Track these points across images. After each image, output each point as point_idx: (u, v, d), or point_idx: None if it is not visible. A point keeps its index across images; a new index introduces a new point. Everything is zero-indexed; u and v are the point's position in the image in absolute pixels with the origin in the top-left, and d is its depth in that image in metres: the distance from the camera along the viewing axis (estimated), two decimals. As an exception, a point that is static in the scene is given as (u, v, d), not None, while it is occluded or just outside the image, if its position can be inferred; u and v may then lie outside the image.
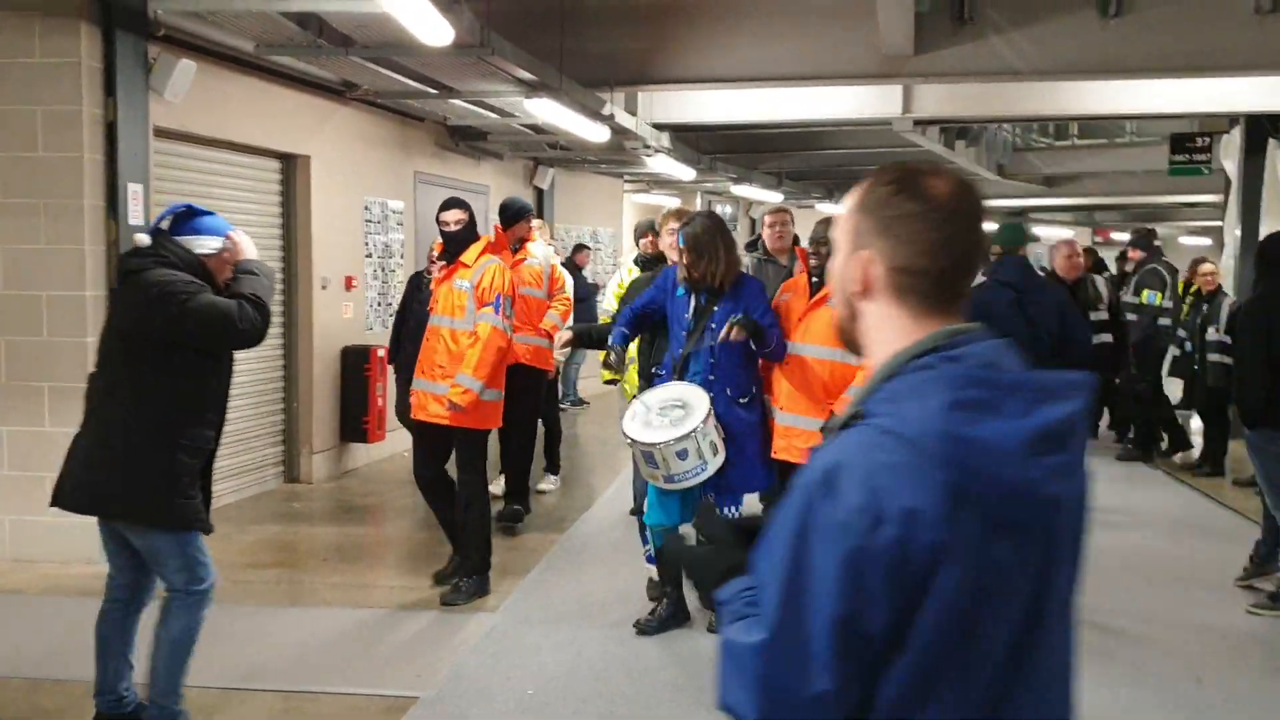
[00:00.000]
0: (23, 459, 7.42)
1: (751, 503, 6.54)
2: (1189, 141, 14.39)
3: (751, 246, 9.08)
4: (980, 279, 7.40)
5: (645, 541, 6.56)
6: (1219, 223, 15.07)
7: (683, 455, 5.57)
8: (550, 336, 8.46)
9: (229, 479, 9.12)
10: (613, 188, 18.62)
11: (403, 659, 5.96)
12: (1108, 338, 9.20)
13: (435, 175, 12.50)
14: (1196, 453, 11.58)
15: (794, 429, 5.90)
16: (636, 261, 8.33)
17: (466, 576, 6.88)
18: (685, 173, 15.14)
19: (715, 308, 5.95)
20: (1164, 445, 12.02)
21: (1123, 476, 10.85)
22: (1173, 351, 11.65)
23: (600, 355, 6.45)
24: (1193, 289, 11.38)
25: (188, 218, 4.71)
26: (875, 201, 1.82)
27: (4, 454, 7.51)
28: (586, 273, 14.97)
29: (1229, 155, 13.72)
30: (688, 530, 2.14)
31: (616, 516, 8.84)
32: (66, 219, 7.25)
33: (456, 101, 10.11)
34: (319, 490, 10.06)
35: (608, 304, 8.88)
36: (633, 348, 6.73)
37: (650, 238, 8.88)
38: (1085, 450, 1.79)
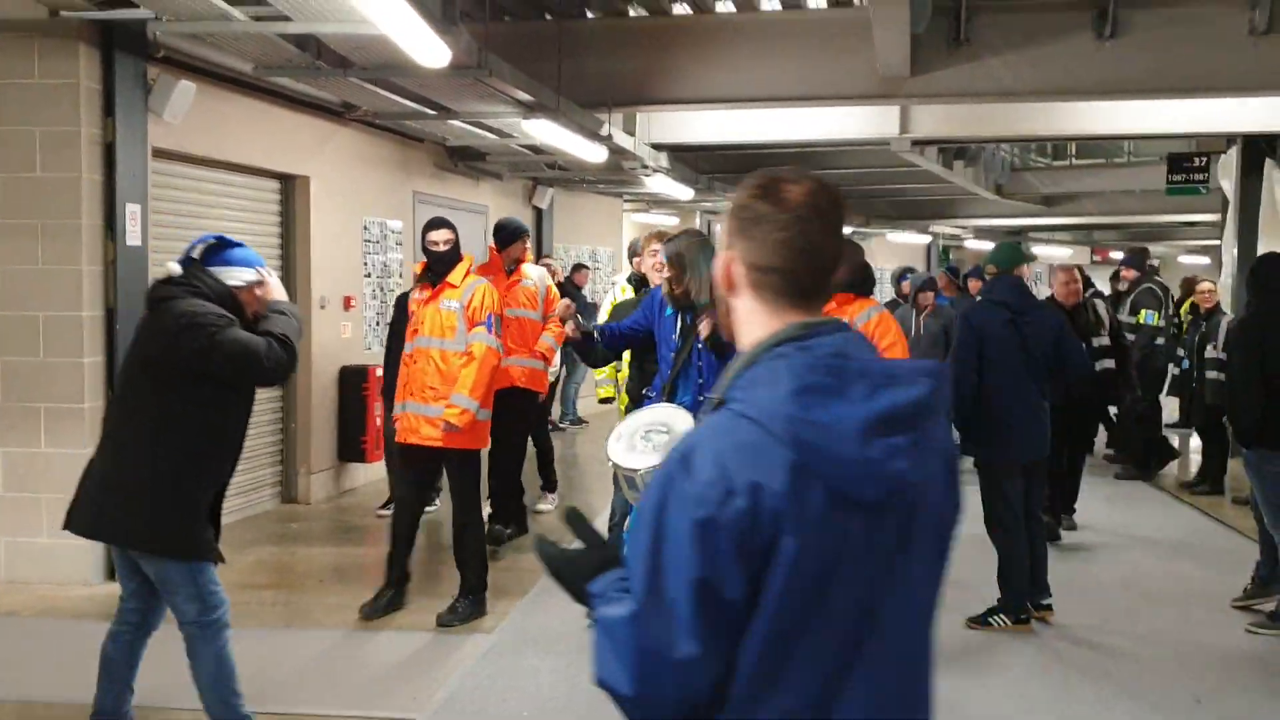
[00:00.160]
0: (19, 480, 7.41)
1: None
2: (1186, 161, 14.43)
3: None
4: (976, 298, 7.42)
5: None
6: (1217, 241, 15.09)
7: None
8: (545, 359, 8.44)
9: (226, 499, 9.08)
10: (612, 207, 18.65)
11: (399, 681, 5.95)
12: (1110, 364, 9.12)
13: (434, 195, 12.52)
14: (1194, 470, 11.59)
15: None
16: (630, 280, 8.32)
17: (463, 597, 6.87)
18: (684, 192, 15.17)
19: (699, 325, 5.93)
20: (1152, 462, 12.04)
21: (1122, 496, 10.84)
22: (1172, 370, 11.67)
23: (596, 373, 6.43)
24: (1184, 306, 11.41)
25: (219, 249, 4.72)
26: (738, 206, 1.99)
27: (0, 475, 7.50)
28: (586, 292, 14.97)
29: (1226, 175, 13.75)
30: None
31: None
32: (64, 239, 7.26)
33: (455, 122, 10.13)
34: (317, 511, 10.04)
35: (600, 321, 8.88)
36: (623, 367, 6.70)
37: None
38: (941, 434, 1.96)
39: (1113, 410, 9.51)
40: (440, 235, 6.85)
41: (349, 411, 10.58)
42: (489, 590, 7.00)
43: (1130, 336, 11.02)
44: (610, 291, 8.96)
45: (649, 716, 1.87)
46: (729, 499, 1.76)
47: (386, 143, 11.38)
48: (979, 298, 6.82)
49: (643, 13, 9.79)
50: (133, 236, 7.51)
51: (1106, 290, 13.00)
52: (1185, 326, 12.00)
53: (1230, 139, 13.42)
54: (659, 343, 6.13)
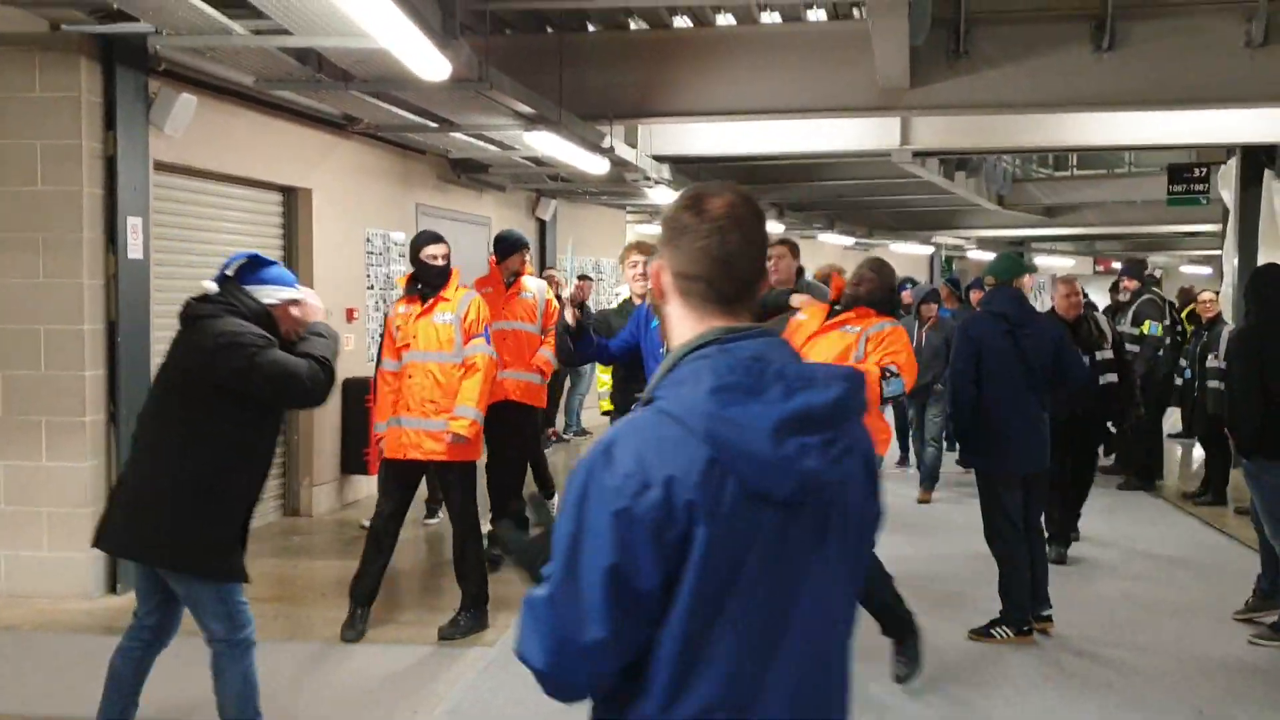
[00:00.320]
0: (19, 494, 7.42)
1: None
2: (1187, 172, 14.45)
3: None
4: (975, 309, 7.40)
5: None
6: (1218, 252, 15.10)
7: None
8: (542, 373, 8.40)
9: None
10: (615, 219, 18.67)
11: (400, 694, 5.95)
12: (1113, 378, 8.99)
13: (437, 207, 12.54)
14: (1196, 480, 11.58)
15: None
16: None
17: (465, 611, 6.86)
18: (686, 204, 15.15)
19: None
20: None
21: (1124, 507, 10.83)
22: (1176, 380, 11.69)
23: (599, 384, 6.41)
24: (1183, 313, 11.40)
25: (254, 267, 4.74)
26: (666, 218, 2.12)
27: (0, 488, 7.51)
28: (589, 304, 14.97)
29: (1226, 185, 13.76)
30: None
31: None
32: (65, 253, 7.27)
33: (457, 135, 10.14)
34: (319, 523, 10.04)
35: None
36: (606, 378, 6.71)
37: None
38: (860, 436, 2.08)
39: (1110, 424, 9.40)
40: (439, 250, 6.85)
41: (352, 423, 10.57)
42: (490, 603, 6.99)
43: (1134, 348, 11.02)
44: (614, 304, 8.95)
45: (562, 693, 1.99)
46: (645, 491, 1.87)
47: (388, 155, 11.40)
48: (978, 309, 6.83)
49: (643, 26, 9.81)
50: (134, 250, 7.53)
51: (1103, 301, 13.02)
52: (1189, 335, 12.01)
53: (1230, 150, 13.43)
54: (645, 356, 6.13)
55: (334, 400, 10.46)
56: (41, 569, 7.40)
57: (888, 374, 5.67)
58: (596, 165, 10.67)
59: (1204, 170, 14.34)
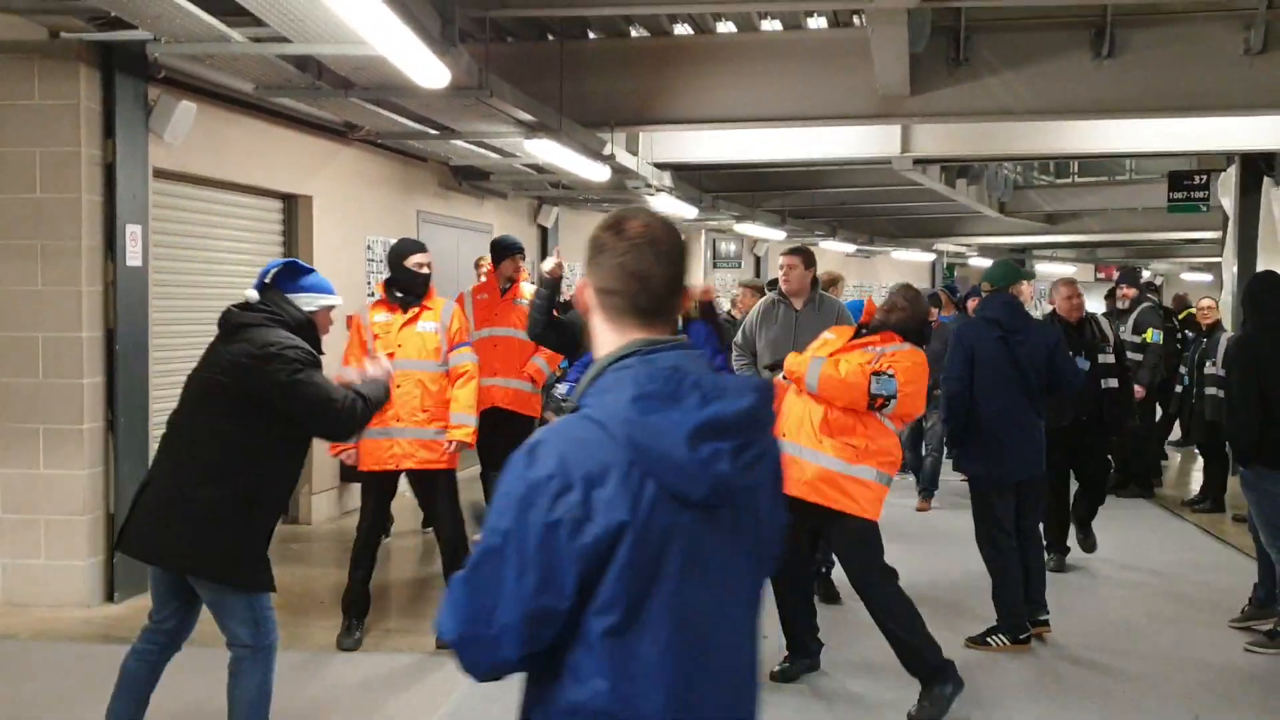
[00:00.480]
0: (16, 502, 7.40)
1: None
2: (1187, 179, 14.43)
3: (772, 285, 9.03)
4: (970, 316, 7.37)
5: None
6: (1219, 259, 15.09)
7: None
8: (534, 381, 8.36)
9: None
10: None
11: (397, 702, 5.94)
12: (1114, 383, 8.88)
13: (438, 214, 12.53)
14: (1195, 487, 11.56)
15: (793, 459, 5.78)
16: None
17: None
18: (688, 211, 15.16)
19: None
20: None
21: (1123, 513, 10.81)
22: (1176, 387, 11.68)
23: None
24: (1180, 317, 11.39)
25: (293, 274, 4.78)
26: (590, 239, 2.27)
27: (-2, 496, 7.49)
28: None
29: (1226, 193, 13.76)
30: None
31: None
32: (64, 260, 7.26)
33: (458, 142, 10.14)
34: (319, 531, 10.03)
35: None
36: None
37: None
38: (771, 445, 2.24)
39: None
40: (426, 258, 6.82)
41: (351, 431, 10.52)
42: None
43: (1136, 356, 11.00)
44: None
45: (469, 670, 2.14)
46: (565, 493, 2.02)
47: (389, 162, 11.39)
48: (971, 315, 6.82)
49: (644, 33, 9.82)
50: (133, 257, 7.52)
51: (1098, 309, 12.98)
52: (1187, 342, 12.01)
53: (1229, 157, 13.43)
54: None
55: (334, 407, 10.43)
56: (39, 577, 7.38)
57: (882, 374, 5.68)
58: (598, 173, 10.66)
59: (1204, 177, 14.33)
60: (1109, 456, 9.46)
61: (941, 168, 15.02)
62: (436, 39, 6.47)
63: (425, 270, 6.80)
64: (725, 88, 9.66)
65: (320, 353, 4.73)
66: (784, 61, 9.53)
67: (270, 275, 4.74)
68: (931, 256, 29.66)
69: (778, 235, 20.16)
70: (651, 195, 13.47)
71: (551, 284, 6.71)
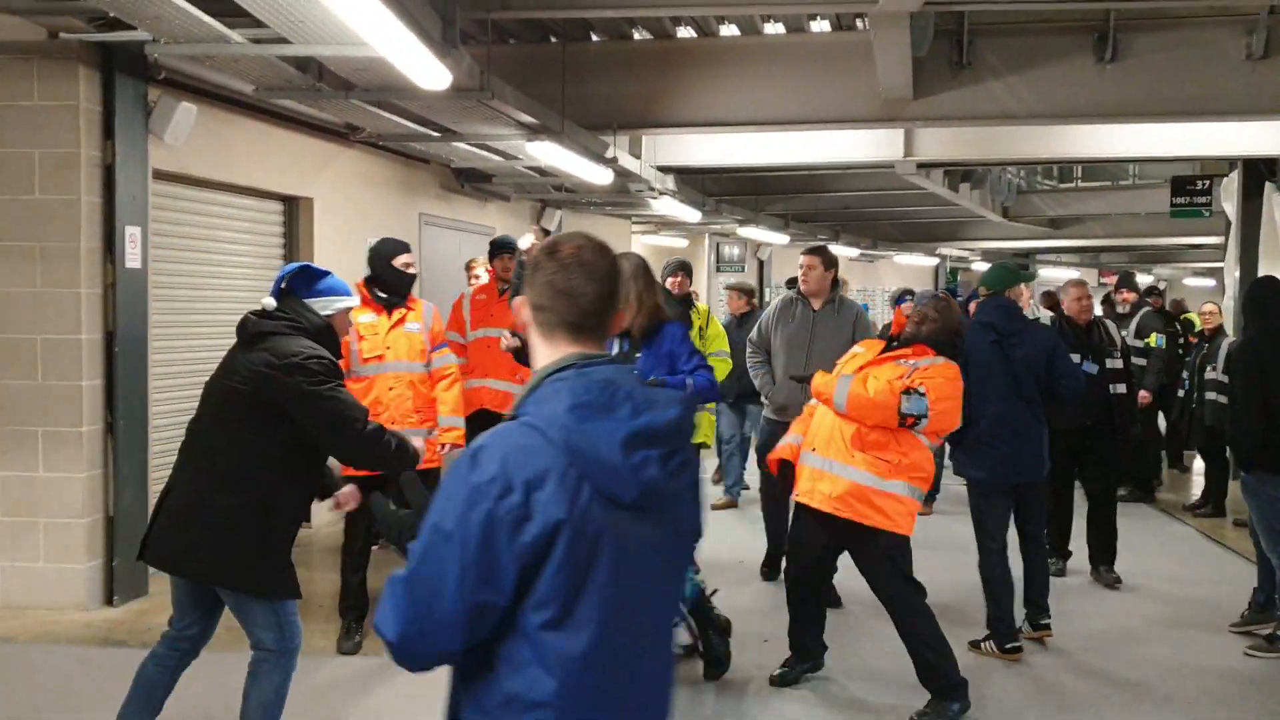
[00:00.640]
0: (15, 505, 7.39)
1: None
2: (1190, 184, 14.42)
3: (791, 284, 9.01)
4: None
5: None
6: (1221, 264, 15.07)
7: None
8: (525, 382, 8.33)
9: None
10: (620, 229, 18.63)
11: (396, 709, 5.91)
12: (1122, 388, 8.72)
13: (440, 217, 12.52)
14: (1196, 492, 11.53)
15: (822, 473, 5.73)
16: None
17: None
18: (691, 215, 15.16)
19: (637, 355, 5.82)
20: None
21: (1124, 517, 10.74)
22: (1178, 392, 11.65)
23: None
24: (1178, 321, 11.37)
25: (308, 278, 4.76)
26: (529, 260, 2.46)
27: (-3, 499, 7.47)
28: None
29: (1228, 198, 13.73)
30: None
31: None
32: (63, 262, 7.25)
33: (459, 144, 10.12)
34: (319, 534, 10.00)
35: None
36: None
37: (679, 277, 8.78)
38: (690, 455, 2.40)
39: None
40: (411, 258, 6.81)
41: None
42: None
43: (1139, 361, 10.98)
44: None
45: (409, 664, 2.28)
46: (506, 495, 2.16)
47: (391, 164, 11.38)
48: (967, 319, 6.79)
49: (647, 36, 9.80)
50: (132, 259, 7.50)
51: (1097, 312, 12.94)
52: (1187, 347, 11.99)
53: (1232, 162, 13.40)
54: None
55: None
56: (38, 580, 7.37)
57: (912, 392, 5.56)
58: (600, 176, 10.64)
59: (1207, 182, 14.31)
60: (1119, 466, 9.26)
61: (945, 172, 14.99)
62: (437, 40, 6.45)
63: (412, 270, 6.78)
64: (728, 91, 9.64)
65: (339, 356, 4.73)
66: (787, 65, 9.51)
67: (285, 281, 4.71)
68: (935, 261, 29.65)
69: (781, 239, 20.14)
70: (654, 198, 13.46)
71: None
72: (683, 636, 6.37)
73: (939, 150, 12.11)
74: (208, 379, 4.71)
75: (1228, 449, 9.97)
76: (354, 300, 4.94)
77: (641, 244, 19.83)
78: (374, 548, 8.65)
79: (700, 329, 8.64)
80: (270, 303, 4.64)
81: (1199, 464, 12.09)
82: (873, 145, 12.00)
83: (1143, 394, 10.67)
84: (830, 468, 5.69)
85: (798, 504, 5.92)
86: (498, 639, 2.23)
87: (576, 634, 2.21)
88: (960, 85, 9.08)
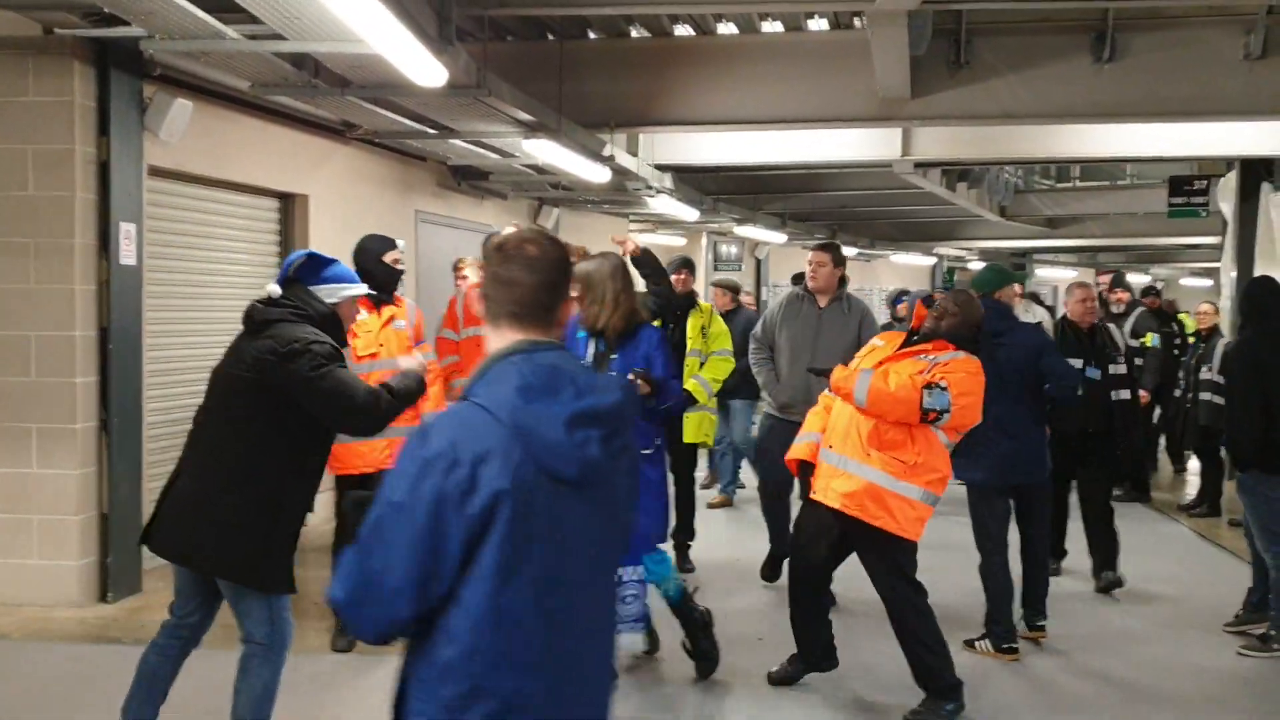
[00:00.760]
0: (9, 501, 7.36)
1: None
2: (1187, 184, 14.40)
3: (797, 280, 8.96)
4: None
5: None
6: (1218, 264, 15.06)
7: None
8: None
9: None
10: (618, 228, 18.57)
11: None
12: (1126, 394, 8.55)
13: (437, 214, 12.50)
14: (1191, 492, 11.53)
15: (837, 470, 5.67)
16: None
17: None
18: (689, 213, 15.15)
19: (613, 356, 5.80)
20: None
21: (1119, 517, 10.73)
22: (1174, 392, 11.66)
23: None
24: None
25: (315, 266, 4.75)
26: (485, 253, 2.67)
27: (-10, 495, 7.45)
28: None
29: (1225, 198, 13.71)
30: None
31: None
32: (57, 258, 7.22)
33: (456, 141, 10.10)
34: (315, 531, 9.91)
35: None
36: None
37: (682, 274, 8.75)
38: (630, 440, 2.58)
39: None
40: (400, 254, 6.79)
41: (348, 430, 10.47)
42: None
43: (1136, 360, 10.96)
44: None
45: (359, 631, 2.44)
46: (454, 468, 2.30)
47: (387, 161, 11.35)
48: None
49: (645, 34, 9.79)
50: (127, 256, 7.48)
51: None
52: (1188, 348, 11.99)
53: (1229, 162, 13.39)
54: None
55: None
56: (32, 577, 7.34)
57: (935, 387, 5.47)
58: (597, 174, 10.63)
59: (1204, 183, 14.30)
60: (1118, 471, 9.16)
61: (942, 171, 14.99)
62: (433, 37, 6.44)
63: (401, 267, 6.78)
64: (726, 89, 9.63)
65: (344, 344, 4.73)
66: (785, 63, 9.50)
67: (293, 268, 4.71)
68: (932, 260, 29.63)
69: (779, 238, 20.14)
70: (652, 197, 13.44)
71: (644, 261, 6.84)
72: (640, 643, 6.29)
73: (936, 149, 12.10)
74: (214, 367, 4.71)
75: (1223, 449, 9.94)
76: (361, 288, 4.93)
77: (638, 242, 19.77)
78: None
79: (703, 327, 8.61)
80: (275, 290, 4.65)
81: (1194, 464, 12.08)
82: (870, 144, 11.99)
83: (1141, 393, 10.65)
84: (845, 465, 5.61)
85: (810, 501, 5.86)
86: (439, 610, 2.35)
87: (515, 606, 2.33)
88: (958, 84, 9.08)
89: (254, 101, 8.65)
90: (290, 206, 10.00)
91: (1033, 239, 24.18)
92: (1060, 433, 7.73)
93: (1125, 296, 12.03)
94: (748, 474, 11.26)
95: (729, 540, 9.61)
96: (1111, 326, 9.21)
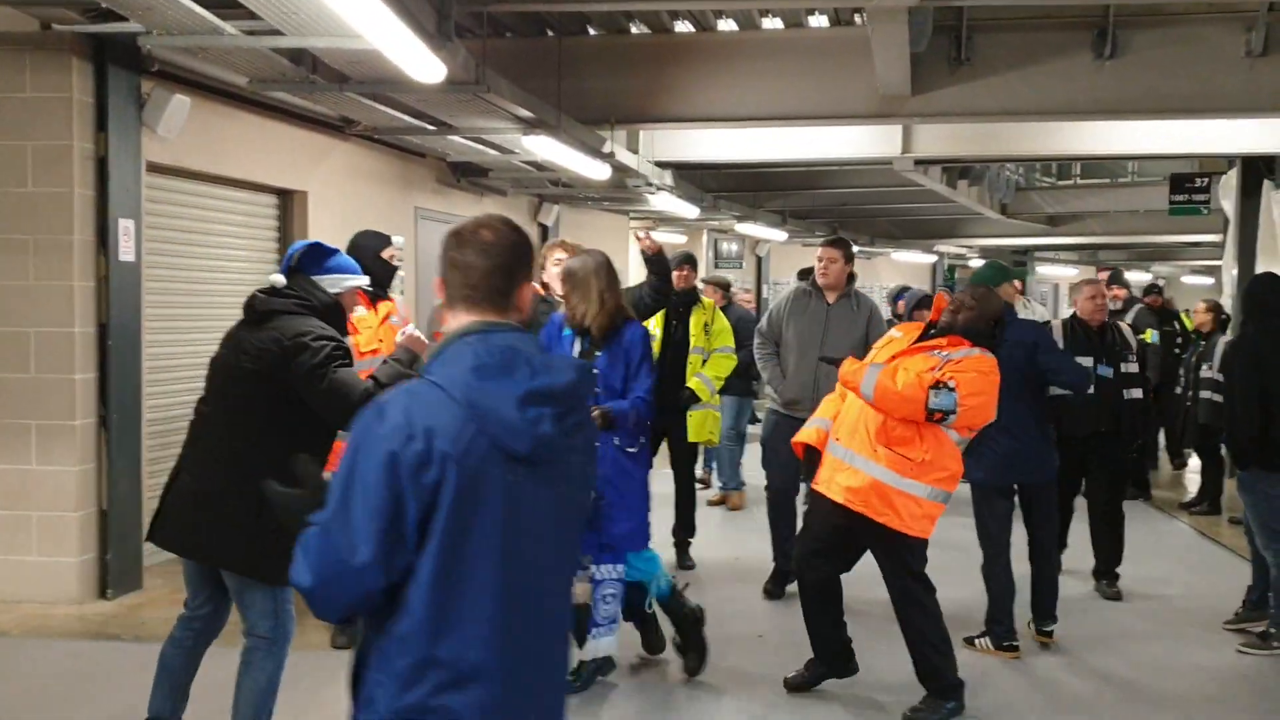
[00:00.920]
0: (8, 498, 7.35)
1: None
2: (1188, 182, 14.38)
3: (803, 275, 8.93)
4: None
5: None
6: (1220, 262, 15.05)
7: None
8: None
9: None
10: (618, 225, 18.59)
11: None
12: (1137, 393, 8.33)
13: (436, 211, 12.48)
14: (1192, 490, 11.52)
15: (843, 464, 5.61)
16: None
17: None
18: (689, 210, 15.13)
19: (598, 354, 5.78)
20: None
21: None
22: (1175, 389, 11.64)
23: None
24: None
25: (317, 256, 4.74)
26: (443, 238, 2.68)
27: (-11, 492, 7.43)
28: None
29: (1226, 195, 13.70)
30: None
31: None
32: (56, 255, 7.22)
33: (455, 138, 10.09)
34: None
35: None
36: None
37: (685, 270, 8.71)
38: (587, 420, 2.67)
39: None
40: (396, 250, 6.78)
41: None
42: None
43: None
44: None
45: (328, 610, 2.46)
46: (410, 441, 2.35)
47: (386, 158, 11.34)
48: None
49: (644, 30, 9.76)
50: (125, 252, 7.47)
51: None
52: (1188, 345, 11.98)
53: (1230, 160, 13.37)
54: None
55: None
56: (31, 574, 7.33)
57: (941, 387, 5.40)
58: (597, 170, 10.61)
59: (1205, 180, 14.27)
60: (1123, 475, 9.05)
61: (943, 169, 14.97)
62: (432, 33, 6.42)
63: (398, 262, 6.80)
64: (726, 86, 9.62)
65: (345, 333, 4.73)
66: (785, 60, 9.49)
67: (295, 258, 4.71)
68: (933, 258, 29.60)
69: (779, 236, 20.12)
70: (652, 194, 13.42)
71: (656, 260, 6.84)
72: (609, 648, 6.09)
73: (937, 147, 12.08)
74: (212, 355, 4.71)
75: (1223, 447, 9.92)
76: (363, 279, 4.93)
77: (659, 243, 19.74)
78: None
79: (706, 324, 8.58)
80: (279, 279, 4.64)
81: (1194, 462, 12.07)
82: (871, 141, 11.97)
83: None
84: (852, 460, 5.56)
85: (814, 493, 5.83)
86: (399, 585, 2.39)
87: (467, 581, 2.39)
88: (959, 81, 9.06)
89: (252, 97, 8.64)
90: (289, 203, 9.99)
91: (1033, 237, 24.17)
92: (1069, 435, 7.67)
93: (1123, 293, 12.01)
94: (747, 474, 11.22)
95: (729, 539, 9.60)
96: (1122, 324, 9.12)
